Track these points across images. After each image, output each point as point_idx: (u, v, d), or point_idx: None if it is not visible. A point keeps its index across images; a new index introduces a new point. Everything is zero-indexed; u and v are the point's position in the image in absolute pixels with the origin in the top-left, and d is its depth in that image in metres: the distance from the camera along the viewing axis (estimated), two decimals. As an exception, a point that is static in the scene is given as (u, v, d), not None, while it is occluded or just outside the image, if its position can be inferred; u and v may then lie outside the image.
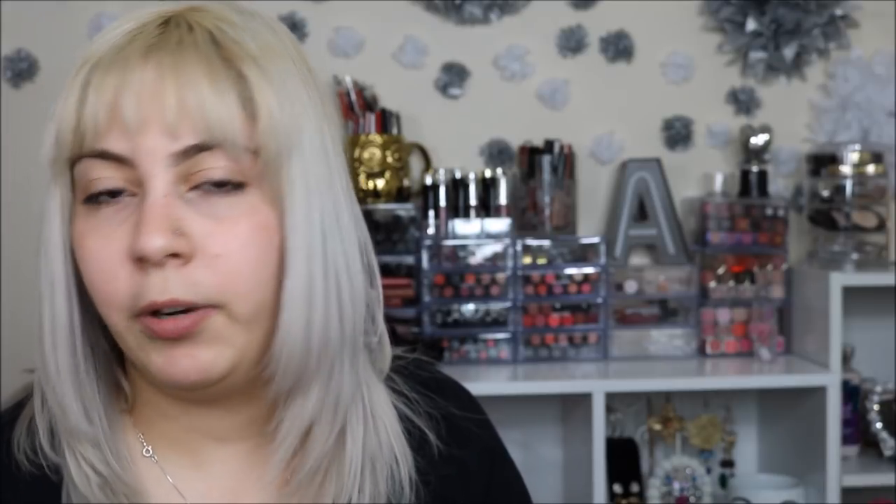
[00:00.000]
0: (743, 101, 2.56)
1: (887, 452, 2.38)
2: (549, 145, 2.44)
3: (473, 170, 2.44)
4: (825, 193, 2.45)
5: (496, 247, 2.37)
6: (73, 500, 0.87)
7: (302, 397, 0.87)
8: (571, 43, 2.52)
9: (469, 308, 2.37)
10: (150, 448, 0.91)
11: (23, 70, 2.42)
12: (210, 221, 0.82)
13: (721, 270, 2.46)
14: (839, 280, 2.26)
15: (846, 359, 2.38)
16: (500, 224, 2.40)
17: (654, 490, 2.38)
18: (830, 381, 2.24)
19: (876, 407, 2.41)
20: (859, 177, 2.43)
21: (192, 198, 0.82)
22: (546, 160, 2.42)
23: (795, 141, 2.58)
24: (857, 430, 2.39)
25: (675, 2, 2.54)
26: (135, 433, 0.91)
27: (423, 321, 2.34)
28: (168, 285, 0.80)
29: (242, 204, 0.83)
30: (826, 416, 2.23)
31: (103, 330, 0.87)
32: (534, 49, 2.52)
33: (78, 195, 0.84)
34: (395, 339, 2.24)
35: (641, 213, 2.47)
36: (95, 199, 0.83)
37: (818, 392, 2.26)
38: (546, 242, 2.39)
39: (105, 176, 0.82)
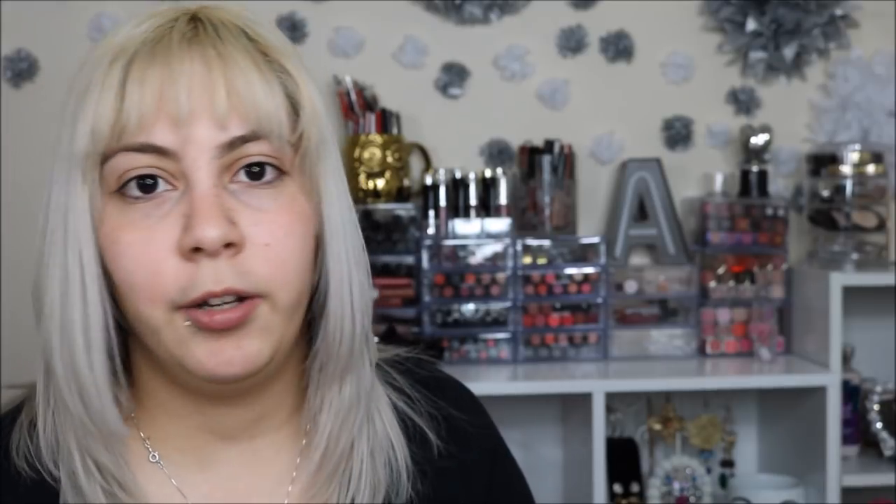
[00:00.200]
0: (743, 101, 2.56)
1: (887, 452, 2.38)
2: (549, 145, 2.44)
3: (473, 170, 2.44)
4: (825, 193, 2.45)
5: (496, 247, 2.37)
6: None
7: (338, 386, 0.89)
8: (571, 43, 2.52)
9: (469, 308, 2.37)
10: (156, 454, 0.90)
11: (23, 70, 2.42)
12: (255, 212, 0.83)
13: (721, 270, 2.46)
14: (839, 280, 2.26)
15: (846, 359, 2.38)
16: (500, 224, 2.40)
17: (654, 490, 2.38)
18: (830, 381, 2.24)
19: (876, 407, 2.41)
20: (859, 177, 2.43)
21: (235, 189, 0.83)
22: (546, 160, 2.42)
23: (795, 141, 2.58)
24: (857, 430, 2.39)
25: (675, 2, 2.54)
26: (139, 437, 0.91)
27: (423, 321, 2.34)
28: (221, 275, 0.81)
29: (283, 195, 0.84)
30: (826, 416, 2.23)
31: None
32: (534, 49, 2.52)
33: (106, 189, 0.83)
34: (395, 339, 2.26)
35: (641, 213, 2.47)
36: (127, 187, 0.82)
37: (818, 392, 2.26)
38: (546, 242, 2.39)
39: (141, 167, 0.82)
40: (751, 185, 2.47)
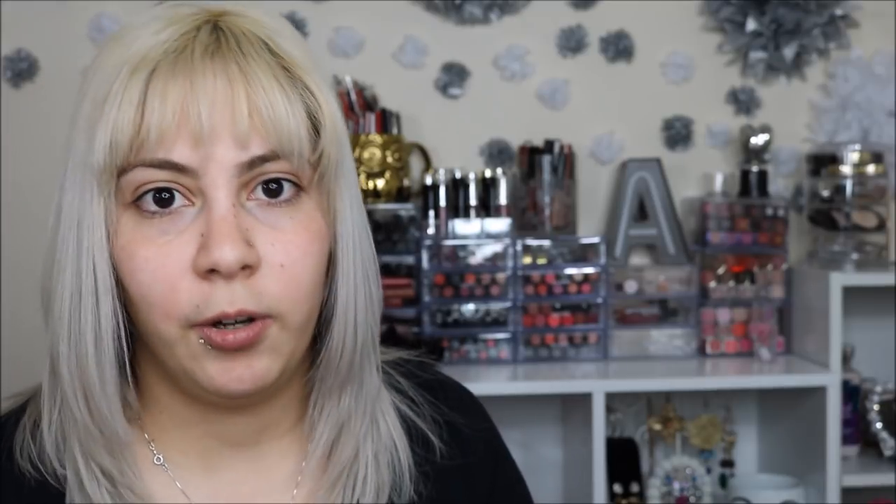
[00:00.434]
0: (743, 101, 2.56)
1: (887, 452, 2.38)
2: (549, 145, 2.44)
3: (473, 170, 2.44)
4: (825, 193, 2.45)
5: (496, 247, 2.37)
6: None
7: (337, 397, 0.90)
8: (571, 43, 2.52)
9: (469, 308, 2.37)
10: (161, 457, 0.90)
11: (23, 70, 2.42)
12: (272, 231, 0.82)
13: (721, 270, 2.46)
14: (839, 280, 2.26)
15: (846, 359, 2.38)
16: (500, 224, 2.40)
17: (654, 490, 2.38)
18: (830, 381, 2.24)
19: (876, 407, 2.41)
20: (859, 177, 2.43)
21: (252, 207, 0.82)
22: (546, 160, 2.42)
23: (795, 141, 2.58)
24: (857, 430, 2.39)
25: (675, 2, 2.54)
26: (145, 441, 0.90)
27: (423, 321, 2.34)
28: (236, 296, 0.81)
29: (300, 213, 0.84)
30: (826, 416, 2.23)
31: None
32: (534, 49, 2.52)
33: (121, 200, 0.82)
34: (396, 339, 2.25)
35: (641, 213, 2.47)
36: (143, 200, 0.81)
37: (818, 392, 2.26)
38: (546, 242, 2.39)
39: (158, 180, 0.81)
40: (751, 185, 2.47)
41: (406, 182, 2.41)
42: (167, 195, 0.81)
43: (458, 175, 2.41)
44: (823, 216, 2.46)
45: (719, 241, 2.46)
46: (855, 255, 2.41)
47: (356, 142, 2.38)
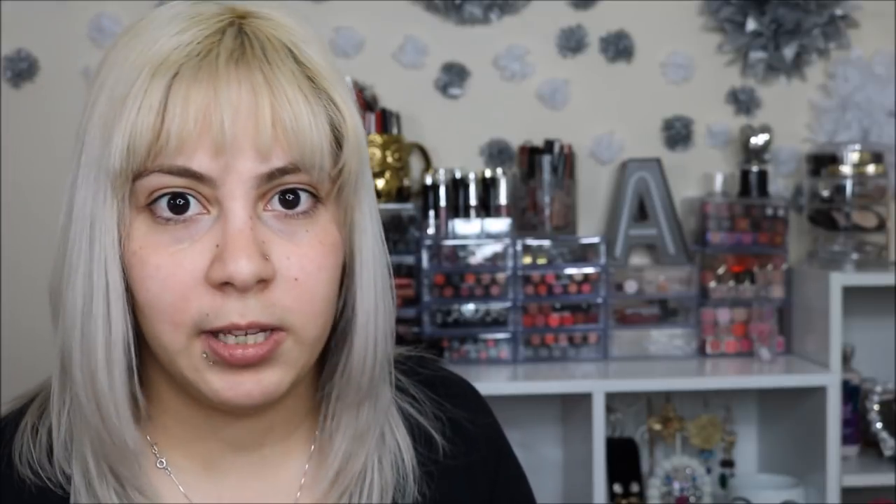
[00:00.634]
0: (743, 101, 2.56)
1: (887, 452, 2.38)
2: (549, 145, 2.44)
3: (473, 170, 2.44)
4: (825, 193, 2.45)
5: (496, 247, 2.37)
6: None
7: (356, 411, 0.89)
8: (571, 43, 2.52)
9: (469, 308, 2.37)
10: (163, 460, 0.89)
11: (23, 70, 2.42)
12: (288, 243, 0.81)
13: (721, 270, 2.46)
14: (839, 280, 2.26)
15: (846, 359, 2.38)
16: (500, 224, 2.40)
17: (654, 490, 2.38)
18: (830, 381, 2.24)
19: (876, 407, 2.41)
20: (859, 177, 2.43)
21: (268, 218, 0.81)
22: (546, 160, 2.42)
23: (795, 141, 2.58)
24: (857, 430, 2.39)
25: (675, 2, 2.54)
26: (148, 444, 0.90)
27: (423, 321, 2.34)
28: (248, 308, 0.79)
29: (316, 225, 0.83)
30: (826, 416, 2.23)
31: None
32: (534, 49, 2.52)
33: (134, 203, 0.81)
34: (396, 339, 2.25)
35: (641, 213, 2.47)
36: (157, 205, 0.80)
37: (818, 392, 2.26)
38: (546, 242, 2.39)
39: (175, 186, 0.80)
40: (751, 185, 2.47)
41: (406, 182, 2.41)
42: (182, 202, 0.80)
43: (458, 175, 2.41)
44: (823, 216, 2.46)
45: (719, 241, 2.46)
46: (855, 255, 2.41)
47: (356, 142, 2.38)
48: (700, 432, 2.42)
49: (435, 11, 2.50)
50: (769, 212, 2.46)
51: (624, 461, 2.40)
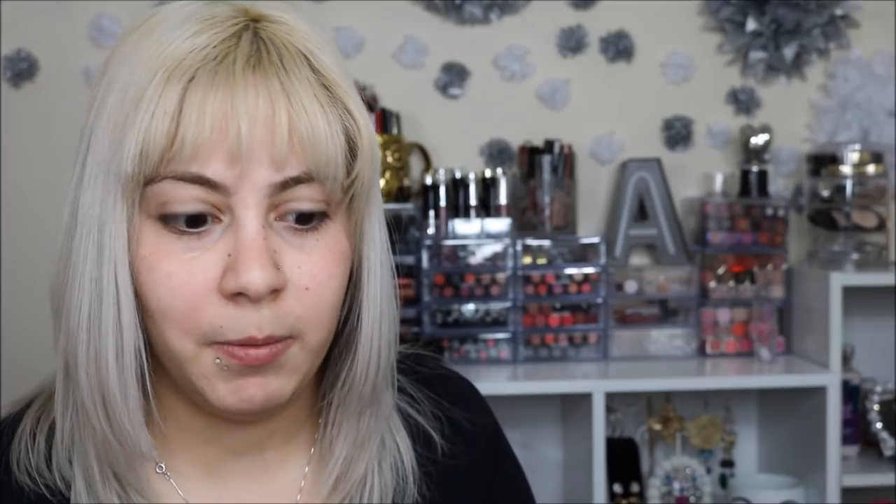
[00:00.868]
0: (743, 101, 2.56)
1: (887, 452, 2.38)
2: (549, 145, 2.44)
3: (473, 170, 2.44)
4: (825, 193, 2.45)
5: (496, 247, 2.37)
6: None
7: (357, 418, 0.89)
8: (571, 43, 2.52)
9: (469, 308, 2.37)
10: (162, 465, 0.89)
11: (23, 70, 2.42)
12: (298, 252, 0.81)
13: (721, 270, 2.46)
14: (839, 280, 2.26)
15: (846, 359, 2.38)
16: (500, 224, 2.40)
17: (654, 490, 2.38)
18: (830, 381, 2.24)
19: (876, 407, 2.41)
20: (859, 177, 2.43)
21: (280, 228, 0.81)
22: (546, 160, 2.42)
23: (795, 141, 2.58)
24: (857, 430, 2.39)
25: (675, 2, 2.54)
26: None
27: (423, 321, 2.34)
28: (263, 321, 0.79)
29: (326, 235, 0.82)
30: (826, 416, 2.23)
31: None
32: (534, 49, 2.52)
33: (146, 210, 0.80)
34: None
35: (641, 213, 2.47)
36: (172, 219, 0.79)
37: (818, 392, 2.26)
38: (546, 242, 2.39)
39: (188, 199, 0.78)
40: (751, 185, 2.47)
41: (406, 182, 2.41)
42: (200, 220, 0.79)
43: (458, 175, 2.41)
44: (823, 216, 2.46)
45: (719, 241, 2.46)
46: (855, 255, 2.41)
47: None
48: (700, 432, 2.42)
49: (435, 11, 2.50)
50: (769, 212, 2.46)
51: (624, 461, 2.40)
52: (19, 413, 0.91)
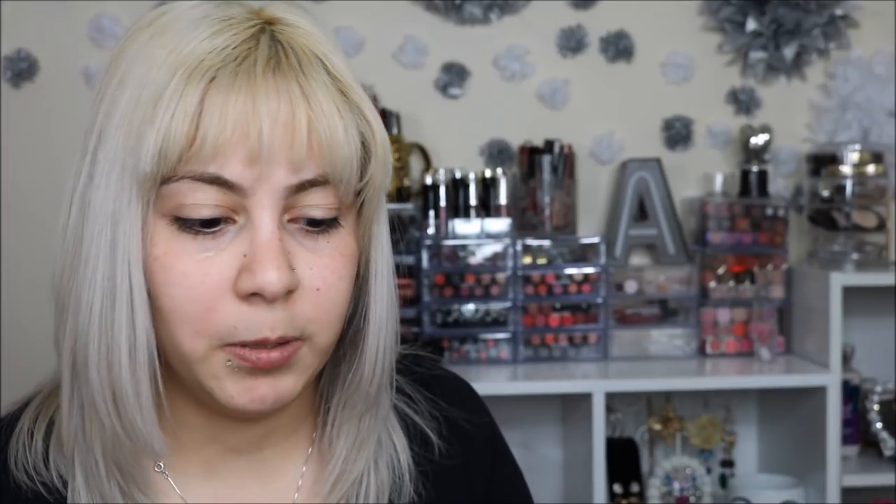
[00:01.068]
0: (743, 101, 2.56)
1: (887, 452, 2.38)
2: (549, 145, 2.44)
3: (473, 170, 2.44)
4: (825, 193, 2.45)
5: (496, 247, 2.37)
6: None
7: (358, 419, 0.90)
8: (571, 43, 2.52)
9: (469, 308, 2.37)
10: (161, 463, 0.89)
11: (23, 70, 2.42)
12: (310, 254, 0.81)
13: (721, 270, 2.46)
14: (839, 280, 2.26)
15: (846, 359, 2.38)
16: (500, 224, 2.40)
17: (654, 490, 2.38)
18: (830, 381, 2.24)
19: (876, 407, 2.41)
20: (859, 177, 2.43)
21: (292, 230, 0.81)
22: (546, 160, 2.42)
23: (795, 141, 2.58)
24: (857, 430, 2.39)
25: (675, 2, 2.54)
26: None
27: (423, 321, 2.34)
28: (277, 321, 0.79)
29: (336, 237, 0.83)
30: (826, 416, 2.23)
31: None
32: (534, 49, 2.52)
33: (160, 209, 0.79)
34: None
35: (641, 213, 2.47)
36: (187, 220, 0.79)
37: (818, 392, 2.26)
38: (546, 242, 2.39)
39: (206, 202, 0.78)
40: (751, 185, 2.47)
41: (406, 182, 2.41)
42: (215, 222, 0.79)
43: (458, 175, 2.41)
44: (823, 216, 2.46)
45: (719, 241, 2.46)
46: (855, 255, 2.41)
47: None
48: (700, 432, 2.42)
49: (435, 11, 2.50)
50: (769, 212, 2.46)
51: (624, 461, 2.40)
52: (17, 412, 0.91)
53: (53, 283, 0.84)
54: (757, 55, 2.54)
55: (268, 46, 0.80)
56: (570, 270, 2.39)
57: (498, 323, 2.37)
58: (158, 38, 0.80)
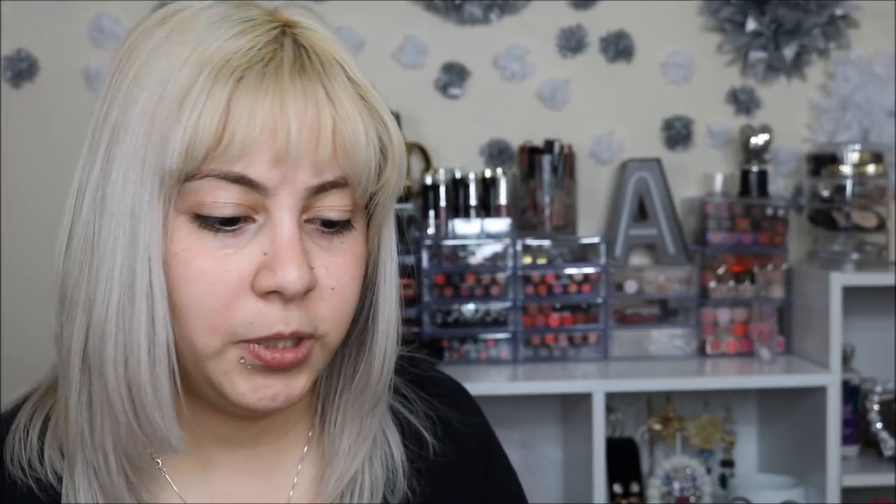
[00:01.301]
0: (743, 101, 2.56)
1: (887, 452, 2.38)
2: (549, 145, 2.44)
3: (473, 170, 2.44)
4: (825, 193, 2.45)
5: (496, 247, 2.37)
6: None
7: (360, 418, 0.91)
8: (571, 43, 2.52)
9: (469, 308, 2.37)
10: (158, 460, 0.89)
11: (23, 70, 2.42)
12: (325, 254, 0.83)
13: (721, 270, 2.46)
14: (839, 280, 2.26)
15: (846, 359, 2.38)
16: (500, 224, 2.40)
17: (654, 490, 2.38)
18: (830, 381, 2.24)
19: (876, 407, 2.41)
20: (859, 177, 2.43)
21: (309, 230, 0.82)
22: (546, 160, 2.42)
23: (795, 141, 2.58)
24: (857, 430, 2.39)
25: (675, 2, 2.54)
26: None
27: (423, 321, 2.34)
28: (291, 318, 0.80)
29: (349, 238, 0.84)
30: (826, 416, 2.23)
31: None
32: (534, 49, 2.52)
33: (179, 206, 0.79)
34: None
35: (641, 213, 2.47)
36: (208, 217, 0.79)
37: (818, 392, 2.26)
38: (546, 242, 2.39)
39: (227, 201, 0.79)
40: (751, 185, 2.47)
41: (406, 182, 2.41)
42: (235, 220, 0.80)
43: (458, 175, 2.41)
44: (823, 216, 2.46)
45: (719, 241, 2.46)
46: (855, 255, 2.41)
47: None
48: (700, 432, 2.42)
49: (435, 11, 2.50)
50: (769, 212, 2.46)
51: (624, 461, 2.40)
52: (14, 409, 0.91)
53: (58, 281, 0.83)
54: (757, 55, 2.54)
55: (292, 49, 0.81)
56: (570, 270, 2.39)
57: (498, 323, 2.37)
58: (178, 36, 0.80)
